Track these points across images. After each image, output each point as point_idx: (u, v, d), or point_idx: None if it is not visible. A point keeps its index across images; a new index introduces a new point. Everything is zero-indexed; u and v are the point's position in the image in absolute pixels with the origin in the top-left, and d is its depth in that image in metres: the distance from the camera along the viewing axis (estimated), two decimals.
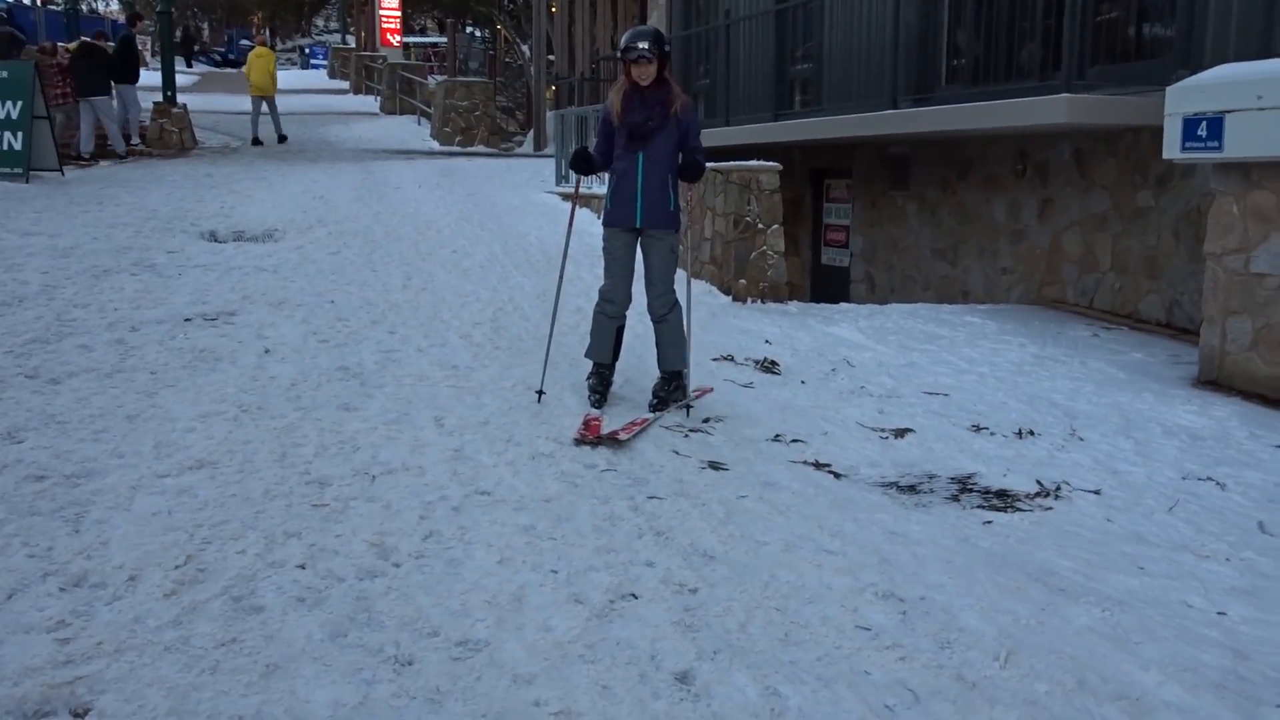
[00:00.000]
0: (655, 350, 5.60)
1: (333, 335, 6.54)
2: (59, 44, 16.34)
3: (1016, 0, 8.75)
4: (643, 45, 5.20)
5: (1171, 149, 6.48)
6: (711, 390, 5.78)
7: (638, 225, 5.38)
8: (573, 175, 5.67)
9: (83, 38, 16.57)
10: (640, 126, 5.29)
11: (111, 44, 16.58)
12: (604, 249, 5.52)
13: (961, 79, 9.82)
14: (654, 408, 5.38)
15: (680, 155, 5.40)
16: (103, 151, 15.57)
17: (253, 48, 20.42)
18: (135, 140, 16.95)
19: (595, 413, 5.27)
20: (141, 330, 6.39)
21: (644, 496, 4.23)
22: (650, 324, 5.58)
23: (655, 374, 5.63)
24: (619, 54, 5.34)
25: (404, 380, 5.68)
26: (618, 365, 5.69)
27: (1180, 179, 7.77)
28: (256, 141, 19.03)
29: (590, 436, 4.85)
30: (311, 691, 2.71)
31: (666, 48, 5.32)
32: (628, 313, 5.56)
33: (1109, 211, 8.44)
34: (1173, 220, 7.87)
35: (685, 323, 5.54)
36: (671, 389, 5.48)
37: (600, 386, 5.49)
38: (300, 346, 6.24)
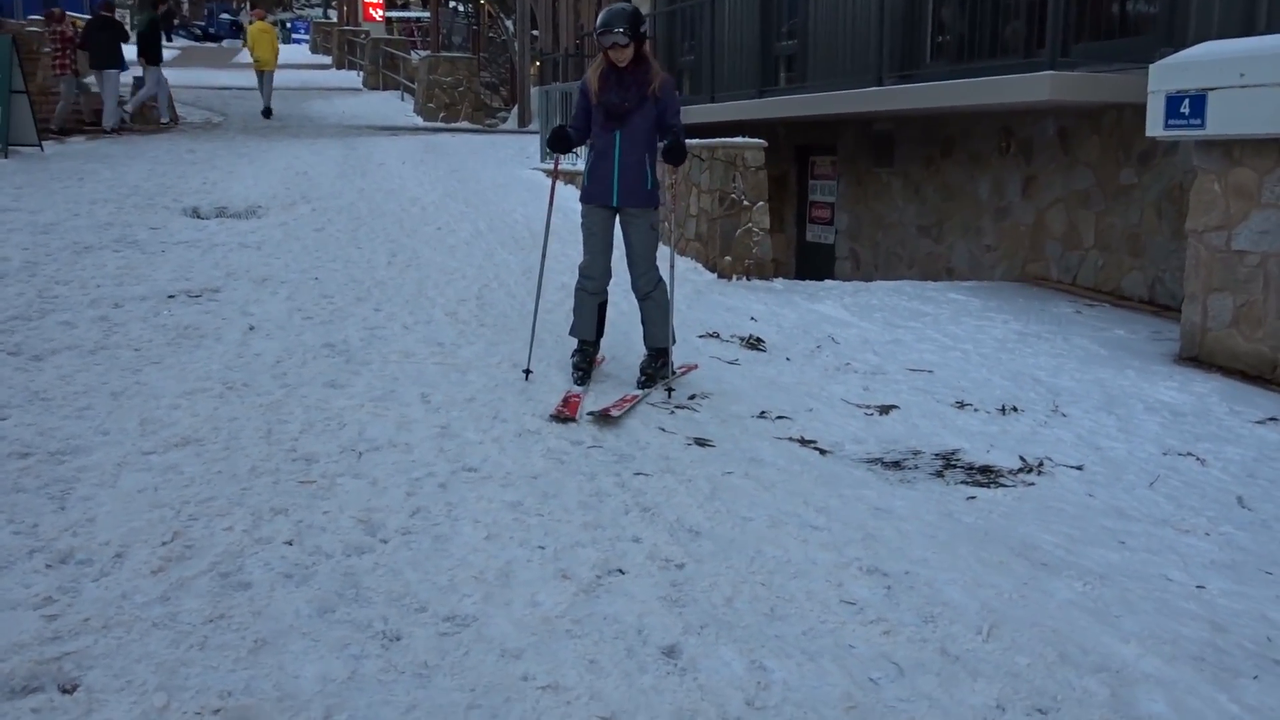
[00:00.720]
0: (640, 327, 5.61)
1: (318, 312, 6.52)
2: (68, 13, 16.26)
3: None
4: (617, 30, 5.13)
5: (1154, 126, 6.50)
6: (696, 367, 5.80)
7: (614, 204, 5.37)
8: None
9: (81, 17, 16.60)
10: (617, 107, 5.26)
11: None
12: (582, 225, 5.51)
13: (946, 56, 9.81)
14: (642, 384, 5.39)
15: (660, 134, 5.37)
16: (78, 126, 15.46)
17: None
18: (166, 118, 17.08)
19: (576, 390, 5.26)
20: (125, 307, 6.36)
21: (630, 473, 4.24)
22: (635, 301, 5.59)
23: (641, 350, 5.64)
24: (595, 35, 5.30)
25: (390, 357, 5.67)
26: (602, 342, 5.70)
27: (1163, 156, 7.81)
28: (268, 112, 19.39)
29: (567, 413, 4.84)
30: (300, 666, 2.72)
31: (643, 29, 5.26)
32: (611, 289, 5.56)
33: (1092, 189, 8.47)
34: (1155, 198, 7.91)
35: (670, 299, 5.54)
36: (658, 366, 5.49)
37: (584, 364, 5.49)
38: (285, 323, 6.22)
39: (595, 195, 5.41)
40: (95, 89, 15.85)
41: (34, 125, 12.88)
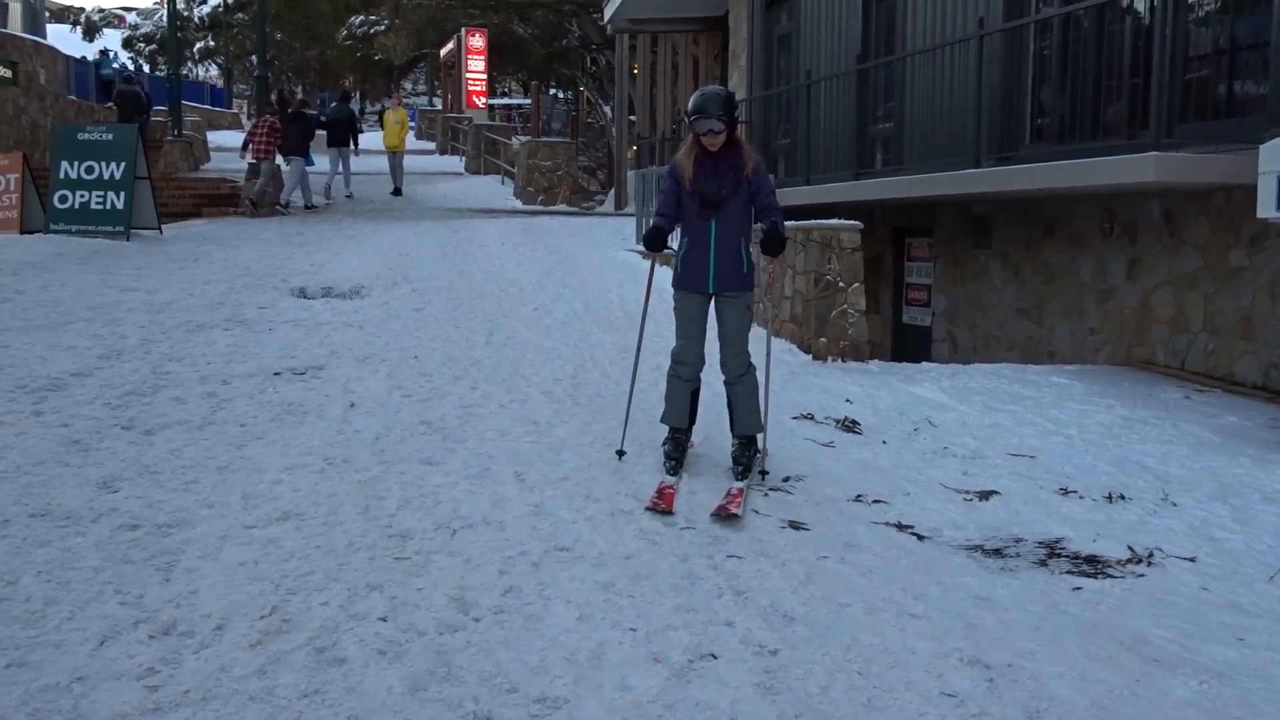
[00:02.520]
0: (728, 413, 5.49)
1: (416, 390, 6.65)
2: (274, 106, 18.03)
3: (1103, 59, 8.68)
4: (714, 116, 5.08)
5: (1266, 208, 6.33)
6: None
7: (710, 290, 5.34)
8: None
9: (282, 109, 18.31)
10: (713, 194, 5.22)
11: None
12: (675, 309, 5.45)
13: (1046, 137, 9.72)
14: (740, 475, 5.23)
15: (754, 216, 5.32)
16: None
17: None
18: (348, 193, 19.08)
19: (670, 480, 5.13)
20: (232, 384, 6.56)
21: (723, 555, 4.20)
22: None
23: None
24: (688, 120, 5.28)
25: (485, 435, 5.73)
26: (696, 425, 5.64)
27: (1276, 238, 7.58)
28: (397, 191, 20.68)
29: (664, 506, 4.74)
30: None
31: (736, 114, 5.24)
32: (703, 374, 5.50)
33: (1200, 271, 8.25)
34: (1268, 280, 7.66)
35: (762, 382, 5.45)
36: (751, 454, 5.36)
37: (676, 453, 5.36)
38: (384, 401, 6.34)
39: (690, 283, 5.36)
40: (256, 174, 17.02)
41: (155, 209, 13.54)
